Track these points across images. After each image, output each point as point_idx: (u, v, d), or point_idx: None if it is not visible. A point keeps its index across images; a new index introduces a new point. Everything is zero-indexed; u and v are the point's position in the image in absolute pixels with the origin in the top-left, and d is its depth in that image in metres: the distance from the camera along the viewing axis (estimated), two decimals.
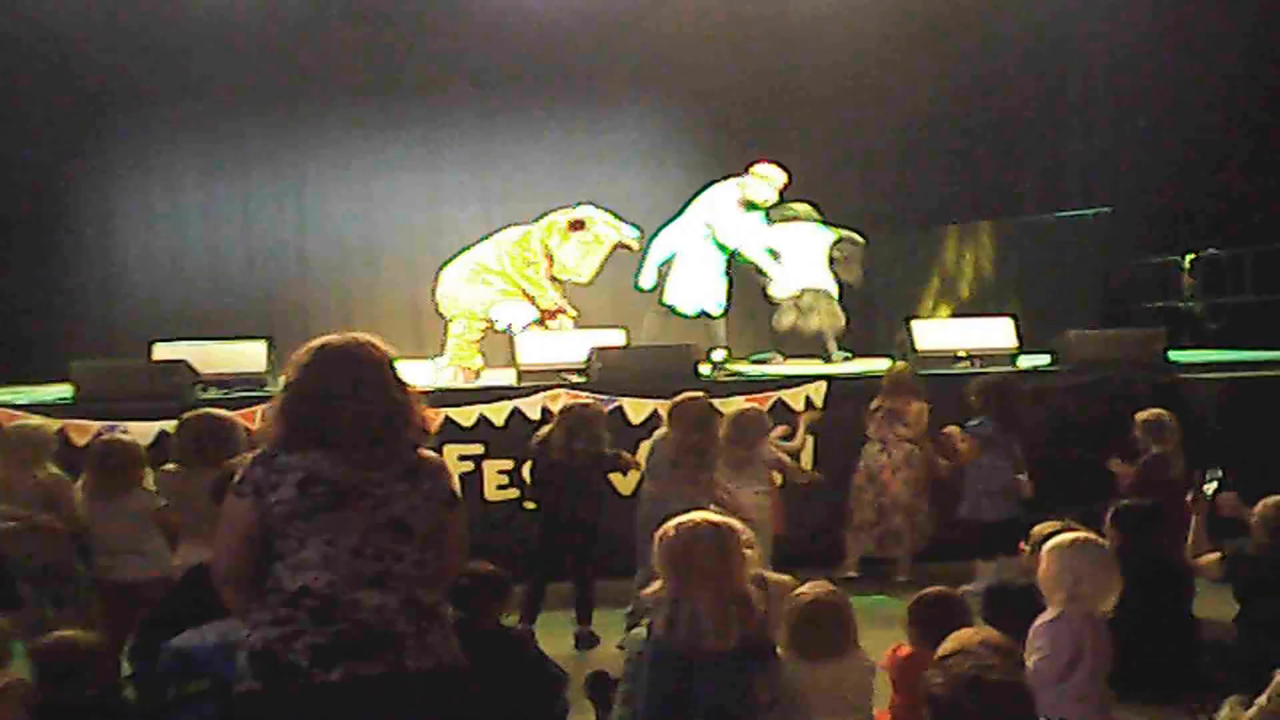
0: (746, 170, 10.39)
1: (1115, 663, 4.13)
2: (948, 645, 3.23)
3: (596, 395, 7.85)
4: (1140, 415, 7.14)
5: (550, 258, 9.72)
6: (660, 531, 3.78)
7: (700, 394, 6.70)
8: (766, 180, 10.32)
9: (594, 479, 6.77)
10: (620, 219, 10.02)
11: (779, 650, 4.02)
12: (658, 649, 3.69)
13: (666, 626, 3.67)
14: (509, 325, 9.61)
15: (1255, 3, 10.98)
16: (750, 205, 10.35)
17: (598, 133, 12.40)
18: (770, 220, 10.79)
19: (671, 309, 10.43)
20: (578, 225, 9.73)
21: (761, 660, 3.74)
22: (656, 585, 3.76)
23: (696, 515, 3.87)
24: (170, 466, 5.56)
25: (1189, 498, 5.44)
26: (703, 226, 10.36)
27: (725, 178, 10.46)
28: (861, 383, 8.45)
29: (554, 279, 9.79)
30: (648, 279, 10.61)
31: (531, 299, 9.71)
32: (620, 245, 9.92)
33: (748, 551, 3.85)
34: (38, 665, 3.98)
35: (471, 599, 4.08)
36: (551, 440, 6.75)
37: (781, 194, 10.61)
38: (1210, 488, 5.52)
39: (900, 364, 8.39)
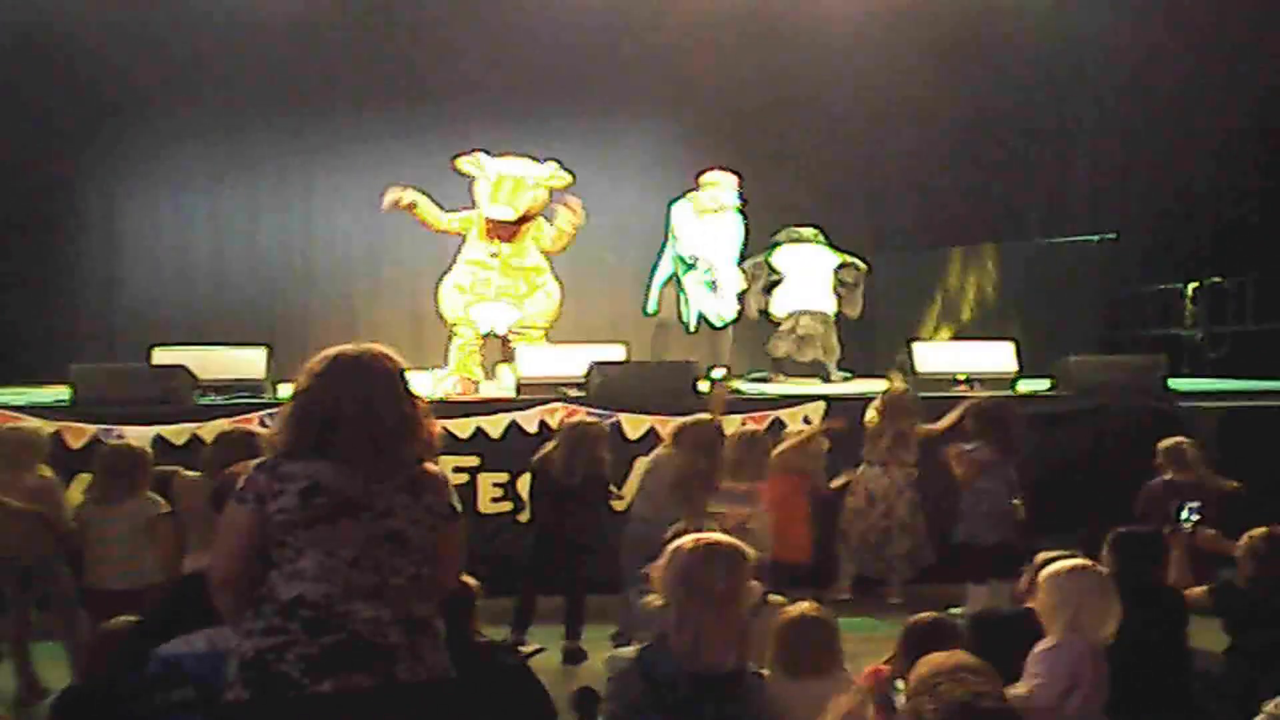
0: (696, 181, 10.37)
1: (1109, 690, 4.11)
2: (925, 668, 3.21)
3: (594, 410, 7.85)
4: (1162, 443, 7.13)
5: (487, 220, 9.74)
6: (674, 546, 3.77)
7: (708, 417, 6.64)
8: (716, 185, 10.29)
9: (593, 497, 6.75)
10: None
11: (764, 669, 4.02)
12: (655, 665, 3.68)
13: (666, 643, 3.66)
14: (492, 327, 9.63)
15: (1264, 31, 10.98)
16: (705, 213, 10.27)
17: (605, 145, 12.39)
18: (778, 242, 10.81)
19: (685, 327, 10.45)
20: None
21: (753, 684, 3.73)
22: (658, 601, 3.74)
23: (714, 535, 3.86)
24: (192, 474, 5.52)
25: (1167, 531, 5.42)
26: (671, 244, 10.38)
27: (683, 194, 10.46)
28: (860, 404, 8.43)
29: (499, 237, 9.75)
30: (651, 304, 10.64)
31: (511, 296, 9.71)
32: (547, 186, 9.76)
33: (754, 581, 3.85)
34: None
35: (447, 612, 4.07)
36: (553, 458, 6.74)
37: (788, 217, 10.61)
38: (1188, 521, 5.51)
39: (898, 385, 8.36)
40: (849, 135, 12.47)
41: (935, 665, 3.28)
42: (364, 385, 3.26)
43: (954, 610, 6.33)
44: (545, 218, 9.90)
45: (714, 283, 10.24)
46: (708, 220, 10.26)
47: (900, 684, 3.44)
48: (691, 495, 6.14)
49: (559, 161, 9.82)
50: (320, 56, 12.09)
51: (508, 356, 9.73)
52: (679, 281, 10.42)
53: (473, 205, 9.84)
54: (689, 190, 10.45)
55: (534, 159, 9.81)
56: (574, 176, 9.86)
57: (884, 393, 8.12)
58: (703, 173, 10.40)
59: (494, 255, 9.70)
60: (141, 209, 12.41)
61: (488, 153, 9.80)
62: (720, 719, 3.57)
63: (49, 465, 6.12)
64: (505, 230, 9.69)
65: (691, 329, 10.43)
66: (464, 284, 9.73)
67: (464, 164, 9.74)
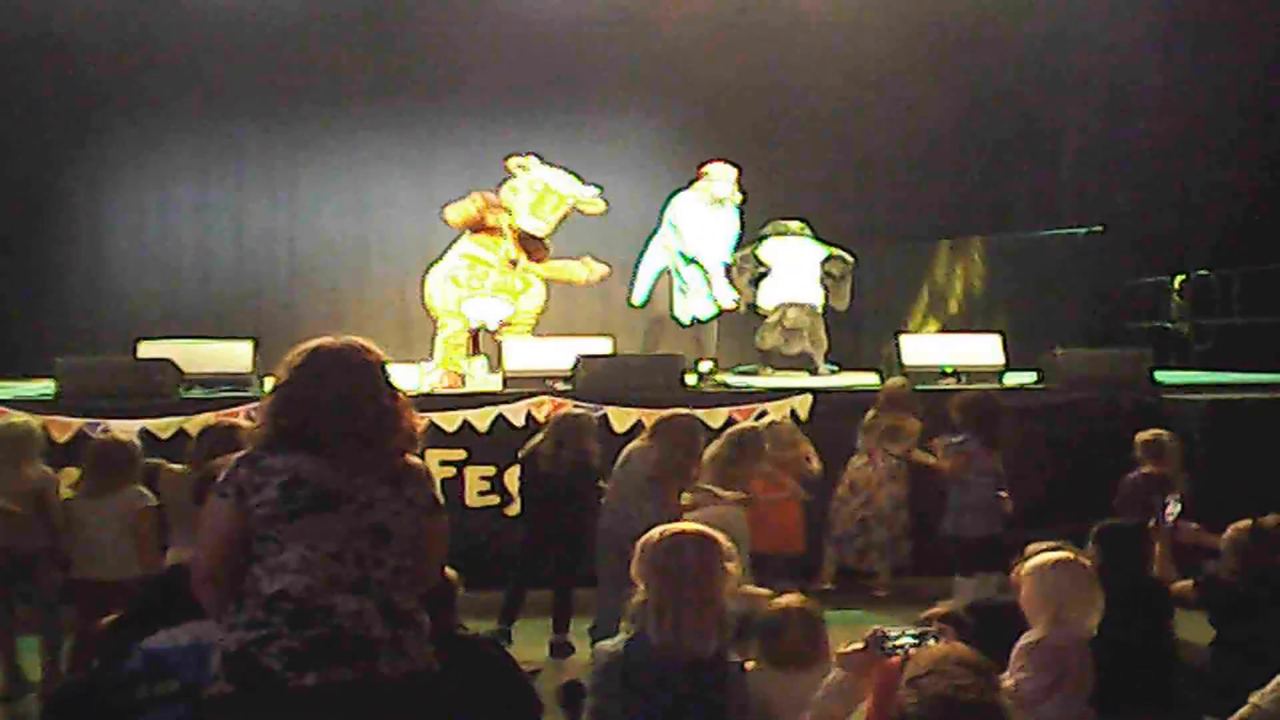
0: (698, 173, 10.37)
1: (1094, 682, 4.12)
2: (919, 663, 3.21)
3: (581, 403, 7.84)
4: (1140, 435, 7.12)
5: (513, 227, 9.69)
6: (645, 538, 3.78)
7: (687, 412, 6.61)
8: (720, 177, 10.30)
9: (581, 489, 6.72)
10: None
11: (750, 660, 4.03)
12: (635, 656, 3.68)
13: (644, 633, 3.66)
14: (482, 322, 9.62)
15: (1251, 26, 10.99)
16: (714, 203, 10.30)
17: (593, 139, 12.38)
18: (765, 235, 10.82)
19: (677, 321, 10.45)
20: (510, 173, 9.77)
21: (732, 672, 3.74)
22: (639, 593, 3.75)
23: (682, 524, 3.88)
24: (176, 467, 5.52)
25: (1150, 524, 5.43)
26: (670, 237, 10.37)
27: (687, 185, 10.44)
28: (847, 396, 8.44)
29: (525, 250, 9.74)
30: (640, 295, 10.62)
31: (508, 292, 9.71)
32: (578, 209, 9.84)
33: (729, 565, 3.85)
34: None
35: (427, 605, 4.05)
36: (540, 449, 6.74)
37: (778, 210, 10.61)
38: (1171, 514, 5.51)
39: (898, 380, 8.37)
40: (837, 128, 12.48)
41: (928, 658, 3.28)
42: (344, 377, 3.25)
43: (943, 603, 6.34)
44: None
45: (710, 281, 10.25)
46: (711, 212, 10.25)
47: (896, 634, 3.43)
48: (667, 488, 6.12)
49: (603, 185, 9.98)
50: (307, 50, 12.06)
51: (476, 349, 9.76)
52: (678, 275, 10.39)
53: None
54: (684, 183, 10.45)
55: (577, 176, 9.91)
56: (607, 205, 9.92)
57: (884, 385, 8.16)
58: (705, 164, 10.39)
59: (513, 262, 9.68)
60: (127, 202, 12.38)
61: (540, 158, 9.78)
62: (701, 709, 3.58)
63: (43, 460, 6.11)
64: (532, 244, 9.68)
65: (685, 323, 10.43)
66: (460, 277, 9.69)
67: (514, 164, 9.70)
